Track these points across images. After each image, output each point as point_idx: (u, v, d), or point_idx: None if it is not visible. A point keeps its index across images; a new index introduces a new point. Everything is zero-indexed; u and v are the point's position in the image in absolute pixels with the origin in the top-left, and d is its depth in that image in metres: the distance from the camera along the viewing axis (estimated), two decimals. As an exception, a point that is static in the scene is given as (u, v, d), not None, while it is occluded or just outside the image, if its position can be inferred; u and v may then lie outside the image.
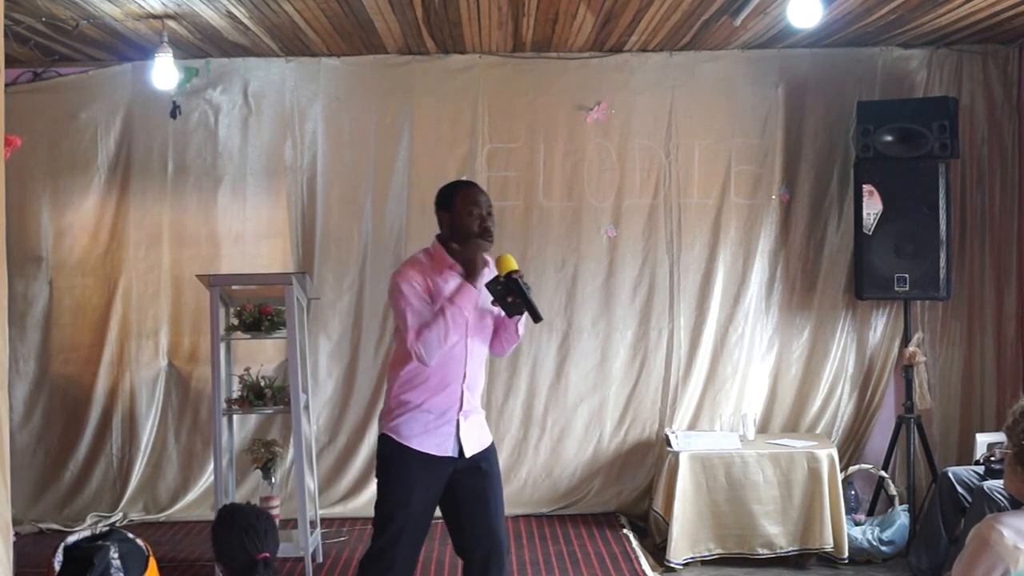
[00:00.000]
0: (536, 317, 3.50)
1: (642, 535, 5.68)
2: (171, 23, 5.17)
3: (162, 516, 5.99)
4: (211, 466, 5.76)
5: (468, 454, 3.58)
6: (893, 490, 5.69)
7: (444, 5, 5.01)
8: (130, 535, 3.01)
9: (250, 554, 2.89)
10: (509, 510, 5.93)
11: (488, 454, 3.68)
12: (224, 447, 5.02)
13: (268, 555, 2.94)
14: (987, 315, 6.01)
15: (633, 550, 5.37)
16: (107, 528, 3.03)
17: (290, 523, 5.21)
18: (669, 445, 5.52)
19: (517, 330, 3.64)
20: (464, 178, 3.73)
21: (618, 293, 6.11)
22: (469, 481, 3.59)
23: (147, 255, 6.10)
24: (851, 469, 5.80)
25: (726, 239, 6.08)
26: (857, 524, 5.48)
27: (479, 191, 3.68)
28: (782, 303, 6.11)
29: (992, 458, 4.91)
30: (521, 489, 6.10)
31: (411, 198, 6.08)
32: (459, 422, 3.57)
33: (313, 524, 5.22)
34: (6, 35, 3.94)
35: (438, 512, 6.08)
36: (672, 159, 6.09)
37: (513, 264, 3.51)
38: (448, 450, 3.55)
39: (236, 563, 2.89)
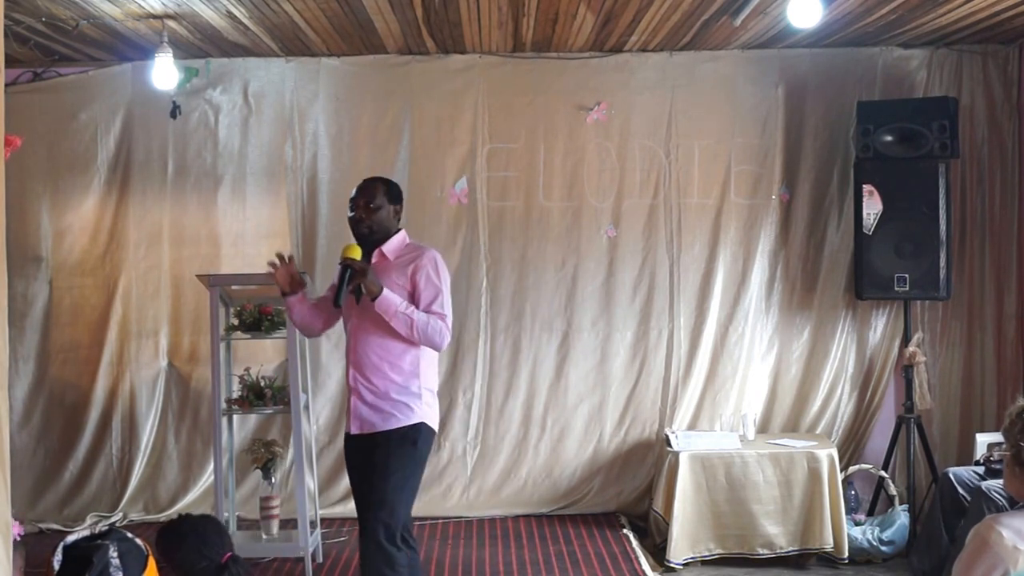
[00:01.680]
0: (334, 301, 3.75)
1: (642, 535, 5.68)
2: (171, 23, 5.17)
3: (162, 516, 5.96)
4: (211, 466, 5.76)
5: (351, 431, 3.80)
6: (893, 490, 5.69)
7: (444, 5, 5.01)
8: (129, 535, 3.01)
9: (211, 559, 2.89)
10: (509, 510, 6.02)
11: (380, 442, 3.75)
12: (224, 447, 5.02)
13: (232, 554, 2.95)
14: (987, 315, 6.01)
15: (633, 550, 5.37)
16: (106, 528, 3.03)
17: (290, 523, 5.21)
18: (669, 445, 5.52)
19: (397, 323, 3.72)
20: (374, 178, 4.01)
21: (618, 293, 6.11)
22: (364, 462, 3.76)
23: (147, 255, 6.10)
24: (851, 469, 5.80)
25: (726, 239, 6.07)
26: (857, 524, 5.48)
27: (359, 188, 3.94)
28: (782, 303, 6.10)
29: (992, 458, 4.91)
30: (521, 489, 6.11)
31: (411, 198, 6.04)
32: (352, 400, 3.81)
33: (313, 524, 5.22)
34: (6, 35, 3.94)
35: (438, 511, 6.12)
36: (672, 159, 6.09)
37: (350, 253, 3.75)
38: (350, 427, 3.83)
39: (202, 573, 2.89)
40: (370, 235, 3.86)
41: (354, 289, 3.74)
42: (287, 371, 5.16)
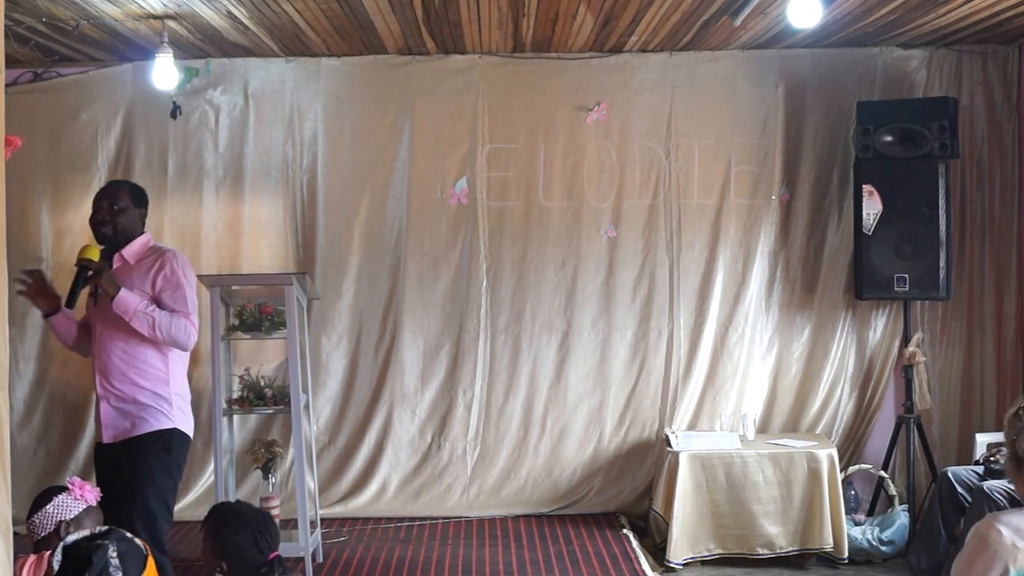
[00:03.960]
0: (66, 302, 3.80)
1: (642, 535, 5.68)
2: (171, 23, 5.17)
3: (162, 516, 5.98)
4: (211, 466, 5.76)
5: (104, 440, 3.77)
6: (893, 490, 5.69)
7: (444, 5, 5.01)
8: (128, 535, 3.01)
9: (263, 553, 2.88)
10: (509, 510, 6.02)
11: (132, 449, 3.71)
12: (224, 447, 5.02)
13: (278, 554, 2.94)
14: (987, 315, 6.01)
15: (633, 550, 5.37)
16: (106, 527, 3.03)
17: (290, 523, 5.21)
18: (669, 445, 5.52)
19: (138, 323, 3.74)
20: (118, 181, 4.23)
21: (618, 293, 6.11)
22: (115, 470, 3.70)
23: (147, 255, 6.09)
24: (851, 469, 5.81)
25: (726, 239, 6.07)
26: (857, 524, 5.48)
27: (102, 190, 4.04)
28: (782, 303, 6.10)
29: (992, 458, 4.91)
30: (521, 489, 6.11)
31: (411, 198, 6.09)
32: (101, 407, 3.79)
33: (313, 524, 5.22)
34: (6, 35, 3.94)
35: (438, 511, 6.09)
36: (672, 159, 6.09)
37: (87, 253, 3.79)
38: (101, 436, 3.81)
39: (245, 563, 2.87)
40: (113, 237, 3.92)
41: (93, 291, 3.78)
42: (287, 371, 5.16)
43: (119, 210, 3.94)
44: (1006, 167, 5.99)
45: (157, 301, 3.83)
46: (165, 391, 3.84)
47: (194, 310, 3.89)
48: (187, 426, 3.93)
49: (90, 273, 3.76)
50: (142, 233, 4.02)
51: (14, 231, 5.70)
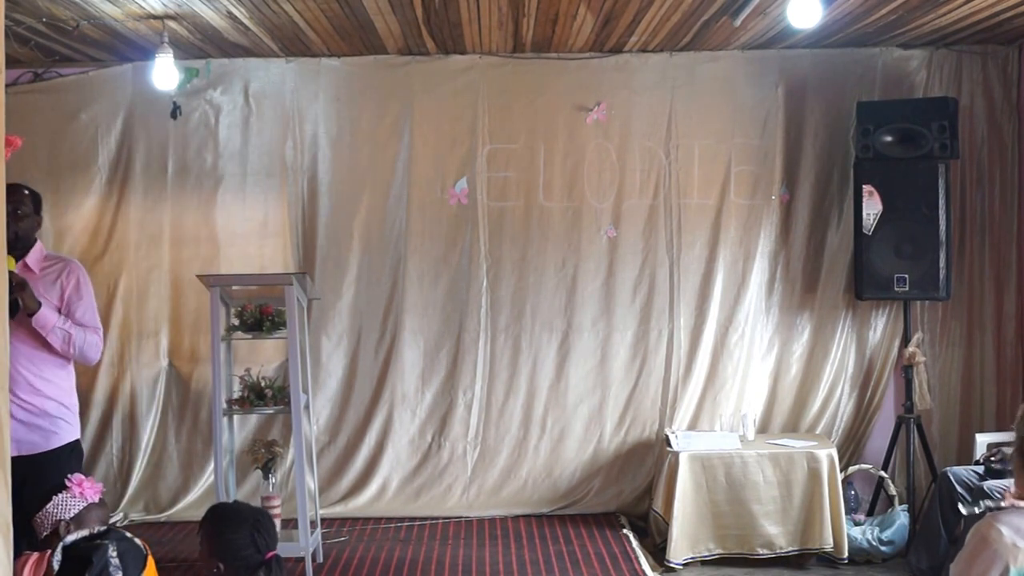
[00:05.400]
0: None
1: (642, 535, 5.68)
2: (171, 23, 5.18)
3: (163, 516, 5.99)
4: (211, 466, 5.77)
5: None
6: (893, 490, 5.69)
7: (444, 5, 5.01)
8: (128, 534, 3.00)
9: (260, 552, 2.88)
10: (509, 510, 6.02)
11: (44, 464, 3.59)
12: (224, 447, 5.02)
13: (276, 553, 2.94)
14: (987, 315, 6.01)
15: (633, 550, 5.37)
16: (105, 527, 3.03)
17: (290, 523, 5.21)
18: (669, 445, 5.52)
19: (54, 338, 3.69)
20: (18, 183, 3.97)
21: (618, 293, 6.11)
22: (22, 487, 3.32)
23: (147, 255, 6.10)
24: (851, 469, 5.81)
25: (726, 239, 6.08)
26: (857, 524, 5.48)
27: (9, 191, 3.75)
28: (782, 303, 6.11)
29: (992, 458, 4.91)
30: (521, 489, 6.11)
31: (411, 198, 6.09)
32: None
33: (313, 524, 5.22)
34: (7, 35, 3.94)
35: (438, 511, 6.09)
36: (672, 159, 6.09)
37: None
38: None
39: (243, 562, 2.86)
40: (15, 242, 3.81)
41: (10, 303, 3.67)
42: (287, 371, 5.16)
43: (22, 215, 3.84)
44: (1006, 167, 5.99)
45: (64, 313, 3.81)
46: (69, 402, 3.84)
47: (99, 324, 3.90)
48: (79, 435, 3.96)
49: (10, 286, 3.60)
50: (35, 240, 3.94)
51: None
